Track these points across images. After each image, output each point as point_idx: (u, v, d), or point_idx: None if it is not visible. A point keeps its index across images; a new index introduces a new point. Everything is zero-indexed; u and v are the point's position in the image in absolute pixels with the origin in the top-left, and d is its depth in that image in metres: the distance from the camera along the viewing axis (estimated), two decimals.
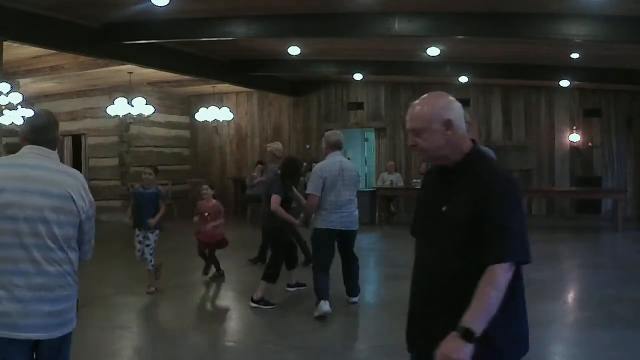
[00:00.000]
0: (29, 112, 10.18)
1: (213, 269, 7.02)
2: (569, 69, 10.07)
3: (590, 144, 12.48)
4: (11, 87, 8.76)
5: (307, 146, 14.23)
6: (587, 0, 5.97)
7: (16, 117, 9.87)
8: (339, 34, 7.64)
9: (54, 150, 2.46)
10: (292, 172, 5.85)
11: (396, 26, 6.88)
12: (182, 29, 7.54)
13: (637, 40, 6.59)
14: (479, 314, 1.79)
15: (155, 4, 6.23)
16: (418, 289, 2.06)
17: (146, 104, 11.13)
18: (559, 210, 12.72)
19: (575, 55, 8.80)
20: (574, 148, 12.56)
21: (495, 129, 12.99)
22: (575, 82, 11.16)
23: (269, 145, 7.61)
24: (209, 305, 6.22)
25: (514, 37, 7.27)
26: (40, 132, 2.43)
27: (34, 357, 2.36)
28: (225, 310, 5.96)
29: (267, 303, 5.56)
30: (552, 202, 12.77)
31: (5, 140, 9.60)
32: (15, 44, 7.38)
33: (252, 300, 5.56)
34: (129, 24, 7.51)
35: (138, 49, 8.29)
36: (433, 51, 8.80)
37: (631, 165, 12.29)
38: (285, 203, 5.71)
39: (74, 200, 2.36)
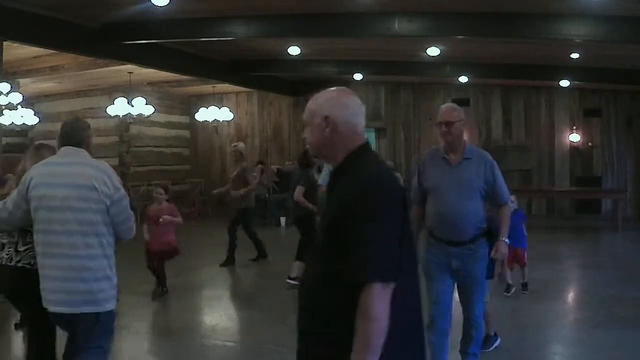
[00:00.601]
0: (29, 112, 10.26)
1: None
2: (569, 69, 10.07)
3: (590, 144, 12.48)
4: (11, 87, 8.77)
5: (307, 146, 14.19)
6: (587, 0, 5.96)
7: (16, 117, 9.88)
8: (339, 34, 7.64)
9: (83, 148, 2.94)
10: (309, 161, 6.74)
11: (396, 26, 6.87)
12: (182, 29, 7.53)
13: (637, 40, 6.58)
14: (360, 354, 1.59)
15: (155, 4, 6.23)
16: (299, 300, 1.91)
17: (146, 104, 11.13)
18: (559, 210, 12.72)
19: (575, 55, 8.80)
20: (574, 148, 12.56)
21: (495, 129, 12.99)
22: (575, 82, 11.15)
23: (235, 144, 7.69)
24: (209, 305, 6.22)
25: (514, 37, 7.27)
26: (67, 135, 2.95)
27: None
28: (225, 310, 5.95)
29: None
30: (552, 202, 12.77)
31: (5, 140, 9.61)
32: (15, 44, 7.38)
33: (290, 278, 6.32)
34: (129, 24, 7.51)
35: (138, 49, 8.29)
36: (433, 51, 8.80)
37: (631, 165, 12.29)
38: (312, 191, 6.49)
39: (97, 189, 2.75)
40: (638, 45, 7.02)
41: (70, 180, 2.78)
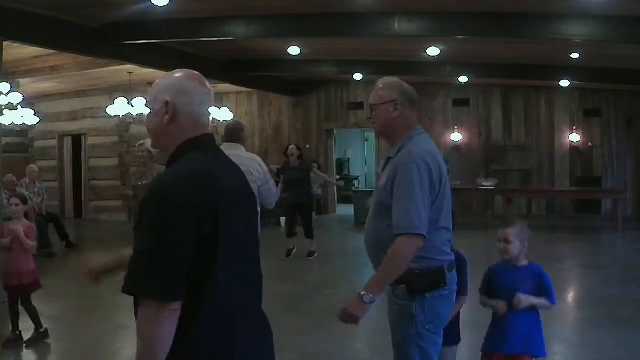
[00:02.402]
0: (29, 112, 10.25)
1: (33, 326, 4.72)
2: (569, 69, 10.07)
3: (590, 144, 12.48)
4: (11, 87, 8.75)
5: (307, 146, 14.23)
6: (587, 0, 5.96)
7: (16, 117, 9.87)
8: (339, 34, 7.64)
9: (241, 144, 4.40)
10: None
11: (396, 26, 6.87)
12: (182, 29, 7.53)
13: (637, 40, 6.58)
14: None
15: (155, 4, 6.22)
16: None
17: (146, 104, 11.12)
18: (559, 210, 12.71)
19: (575, 55, 8.80)
20: (574, 148, 12.56)
21: (495, 129, 12.99)
22: (575, 82, 11.15)
23: (142, 142, 6.03)
24: None
25: (514, 37, 7.27)
26: (230, 134, 4.40)
27: None
28: None
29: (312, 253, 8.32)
30: (552, 202, 12.76)
31: (5, 140, 9.60)
32: (15, 44, 7.38)
33: (309, 254, 8.30)
34: (129, 24, 7.51)
35: (138, 49, 8.29)
36: (433, 51, 8.80)
37: (631, 165, 12.29)
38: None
39: (252, 174, 4.07)
40: (638, 45, 7.02)
41: (246, 164, 3.72)
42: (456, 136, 12.98)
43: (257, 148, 14.75)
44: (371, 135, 14.15)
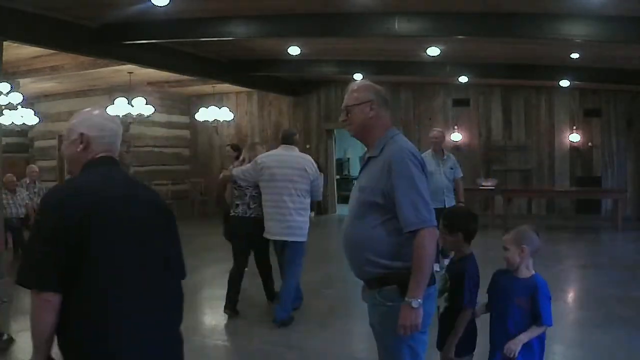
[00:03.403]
0: (29, 112, 10.24)
1: None
2: (569, 69, 10.07)
3: (590, 144, 12.48)
4: (11, 87, 8.76)
5: (307, 146, 14.23)
6: (587, 0, 5.97)
7: (16, 117, 9.88)
8: (339, 34, 7.64)
9: (295, 146, 5.26)
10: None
11: (396, 26, 6.87)
12: (182, 29, 7.53)
13: (637, 40, 6.58)
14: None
15: (155, 4, 6.23)
16: None
17: (146, 104, 11.12)
18: (559, 210, 12.72)
19: (575, 55, 8.80)
20: (574, 148, 12.56)
21: (495, 129, 12.99)
22: (575, 82, 11.15)
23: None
24: (209, 305, 6.22)
25: (514, 37, 7.27)
26: (285, 137, 5.31)
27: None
28: (225, 310, 5.95)
29: None
30: (552, 202, 12.77)
31: (5, 140, 9.60)
32: (15, 44, 7.38)
33: None
34: (129, 24, 7.51)
35: (138, 49, 8.29)
36: (433, 51, 8.80)
37: (631, 165, 12.29)
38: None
39: (306, 170, 5.10)
40: (638, 45, 7.02)
41: (291, 164, 5.11)
42: (456, 136, 12.98)
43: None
44: None
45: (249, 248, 5.54)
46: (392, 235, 2.32)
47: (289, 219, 5.03)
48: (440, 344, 2.88)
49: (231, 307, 5.42)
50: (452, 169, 6.99)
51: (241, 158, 5.77)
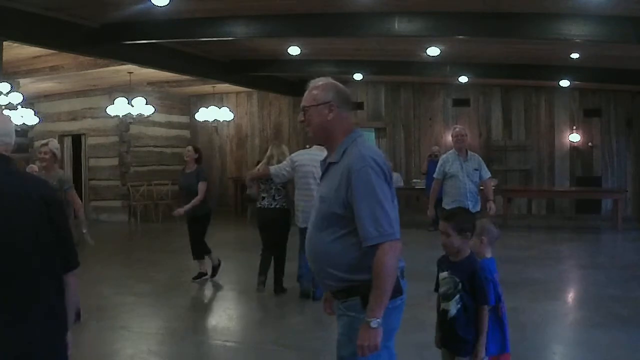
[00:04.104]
0: (29, 112, 10.24)
1: None
2: (569, 69, 10.07)
3: (590, 144, 12.49)
4: (11, 87, 8.76)
5: (307, 146, 14.20)
6: (587, 0, 5.97)
7: (16, 117, 9.87)
8: (339, 34, 7.63)
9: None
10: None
11: (396, 26, 6.87)
12: (182, 29, 7.53)
13: (637, 40, 6.58)
14: None
15: (155, 4, 6.23)
16: None
17: (146, 104, 11.13)
18: (559, 210, 12.72)
19: (575, 55, 8.80)
20: (574, 148, 12.56)
21: (495, 129, 12.99)
22: (575, 82, 11.15)
23: (45, 142, 5.21)
24: (209, 305, 6.22)
25: (514, 37, 7.27)
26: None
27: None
28: (225, 310, 5.95)
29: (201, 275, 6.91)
30: (552, 202, 12.77)
31: None
32: (15, 44, 7.38)
33: (197, 276, 6.82)
34: (129, 23, 7.51)
35: (138, 49, 8.29)
36: (433, 51, 8.80)
37: (631, 165, 12.29)
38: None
39: None
40: (638, 45, 7.01)
41: (316, 161, 5.19)
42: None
43: (257, 148, 14.77)
44: (371, 135, 14.13)
45: (274, 235, 6.18)
46: (354, 248, 2.17)
47: (309, 206, 5.45)
48: (454, 342, 2.85)
49: (261, 283, 6.17)
50: (476, 170, 6.29)
51: (268, 154, 6.31)
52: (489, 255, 3.14)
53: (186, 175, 6.88)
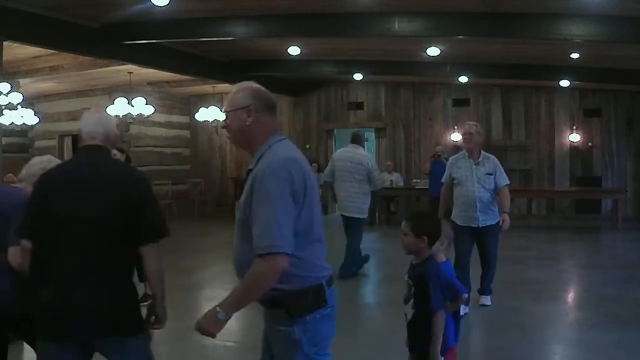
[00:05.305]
0: (29, 112, 10.24)
1: None
2: (569, 69, 10.07)
3: (590, 144, 12.48)
4: (11, 87, 8.75)
5: (307, 146, 14.23)
6: (587, 0, 5.96)
7: (16, 117, 9.87)
8: (339, 34, 7.64)
9: (361, 146, 7.23)
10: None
11: (396, 26, 6.87)
12: (182, 29, 7.53)
13: (637, 40, 6.58)
14: None
15: (155, 4, 6.23)
16: None
17: (146, 104, 11.12)
18: (559, 210, 12.72)
19: (575, 55, 8.80)
20: (574, 148, 12.56)
21: (495, 129, 12.99)
22: (575, 82, 11.15)
23: None
24: (209, 306, 6.22)
25: (514, 37, 7.27)
26: (354, 139, 7.25)
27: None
28: None
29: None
30: (552, 202, 12.77)
31: (5, 140, 9.59)
32: (15, 44, 7.38)
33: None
34: (129, 24, 7.51)
35: (138, 49, 8.29)
36: (433, 51, 8.80)
37: (631, 165, 12.29)
38: None
39: (362, 163, 6.91)
40: (638, 45, 7.02)
41: (352, 159, 6.94)
42: (456, 136, 12.97)
43: None
44: (371, 135, 14.15)
45: None
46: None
47: (350, 201, 6.95)
48: (414, 346, 2.85)
49: None
50: (489, 174, 5.36)
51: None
52: (444, 258, 3.17)
53: None
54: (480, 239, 5.36)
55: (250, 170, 2.16)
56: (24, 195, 2.82)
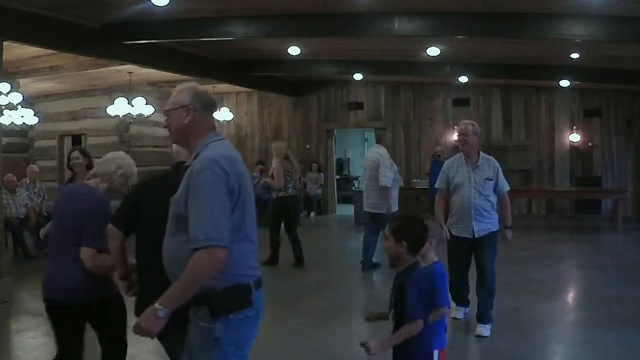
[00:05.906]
0: (29, 112, 10.23)
1: None
2: (569, 69, 10.07)
3: (590, 144, 12.48)
4: (11, 87, 8.76)
5: (307, 146, 14.23)
6: (587, 0, 5.96)
7: (16, 117, 9.88)
8: (339, 34, 7.63)
9: (383, 145, 7.63)
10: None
11: (396, 26, 6.87)
12: (182, 29, 7.53)
13: (637, 40, 6.58)
14: None
15: (155, 4, 6.22)
16: None
17: (146, 104, 11.12)
18: (559, 210, 12.72)
19: (575, 55, 8.80)
20: (574, 148, 12.56)
21: (495, 129, 12.99)
22: (575, 82, 11.15)
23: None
24: None
25: (514, 37, 7.27)
26: (378, 138, 8.09)
27: None
28: None
29: None
30: (552, 202, 12.77)
31: (5, 140, 9.59)
32: (15, 44, 7.37)
33: None
34: (129, 24, 7.50)
35: (138, 49, 8.28)
36: (433, 51, 8.80)
37: (631, 165, 12.29)
38: None
39: (374, 160, 7.41)
40: (638, 45, 7.02)
41: (369, 157, 7.56)
42: (456, 136, 12.97)
43: (257, 148, 14.78)
44: (371, 135, 14.16)
45: (285, 218, 7.79)
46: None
47: (367, 197, 7.53)
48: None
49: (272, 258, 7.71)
50: (489, 179, 4.90)
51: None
52: (435, 258, 2.97)
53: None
54: (475, 251, 4.86)
55: (187, 166, 2.22)
56: (98, 195, 3.26)
